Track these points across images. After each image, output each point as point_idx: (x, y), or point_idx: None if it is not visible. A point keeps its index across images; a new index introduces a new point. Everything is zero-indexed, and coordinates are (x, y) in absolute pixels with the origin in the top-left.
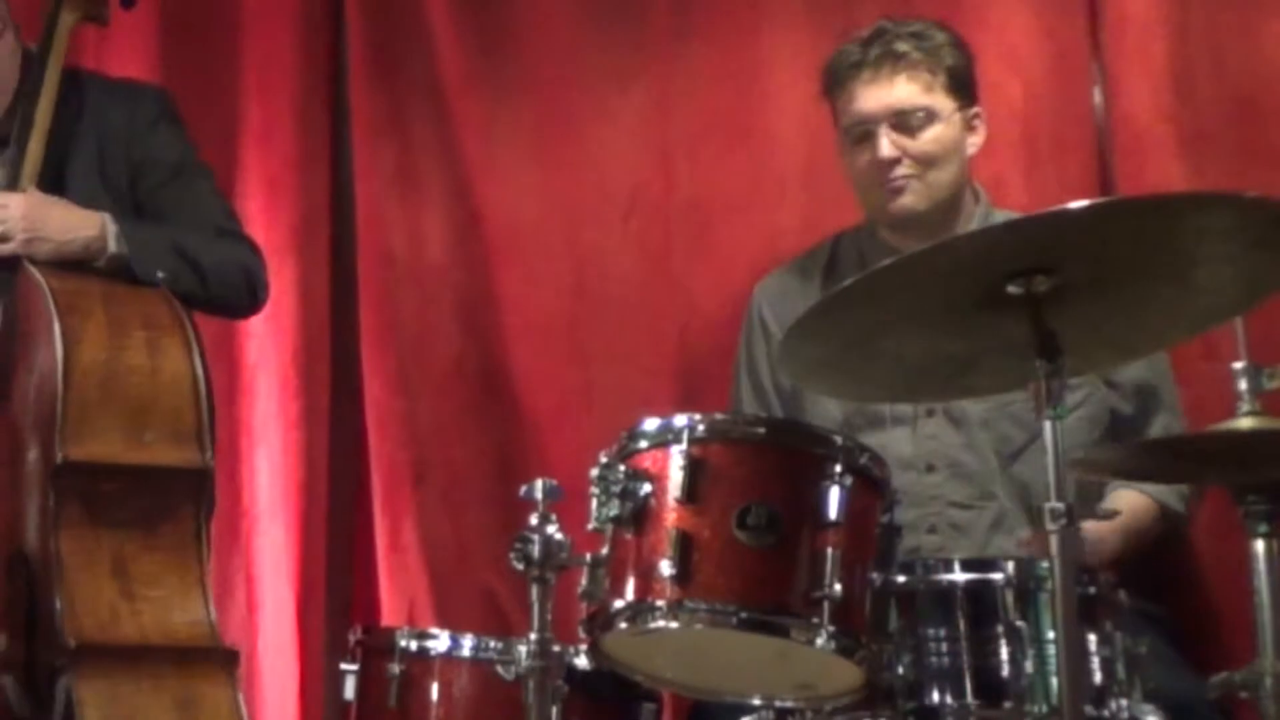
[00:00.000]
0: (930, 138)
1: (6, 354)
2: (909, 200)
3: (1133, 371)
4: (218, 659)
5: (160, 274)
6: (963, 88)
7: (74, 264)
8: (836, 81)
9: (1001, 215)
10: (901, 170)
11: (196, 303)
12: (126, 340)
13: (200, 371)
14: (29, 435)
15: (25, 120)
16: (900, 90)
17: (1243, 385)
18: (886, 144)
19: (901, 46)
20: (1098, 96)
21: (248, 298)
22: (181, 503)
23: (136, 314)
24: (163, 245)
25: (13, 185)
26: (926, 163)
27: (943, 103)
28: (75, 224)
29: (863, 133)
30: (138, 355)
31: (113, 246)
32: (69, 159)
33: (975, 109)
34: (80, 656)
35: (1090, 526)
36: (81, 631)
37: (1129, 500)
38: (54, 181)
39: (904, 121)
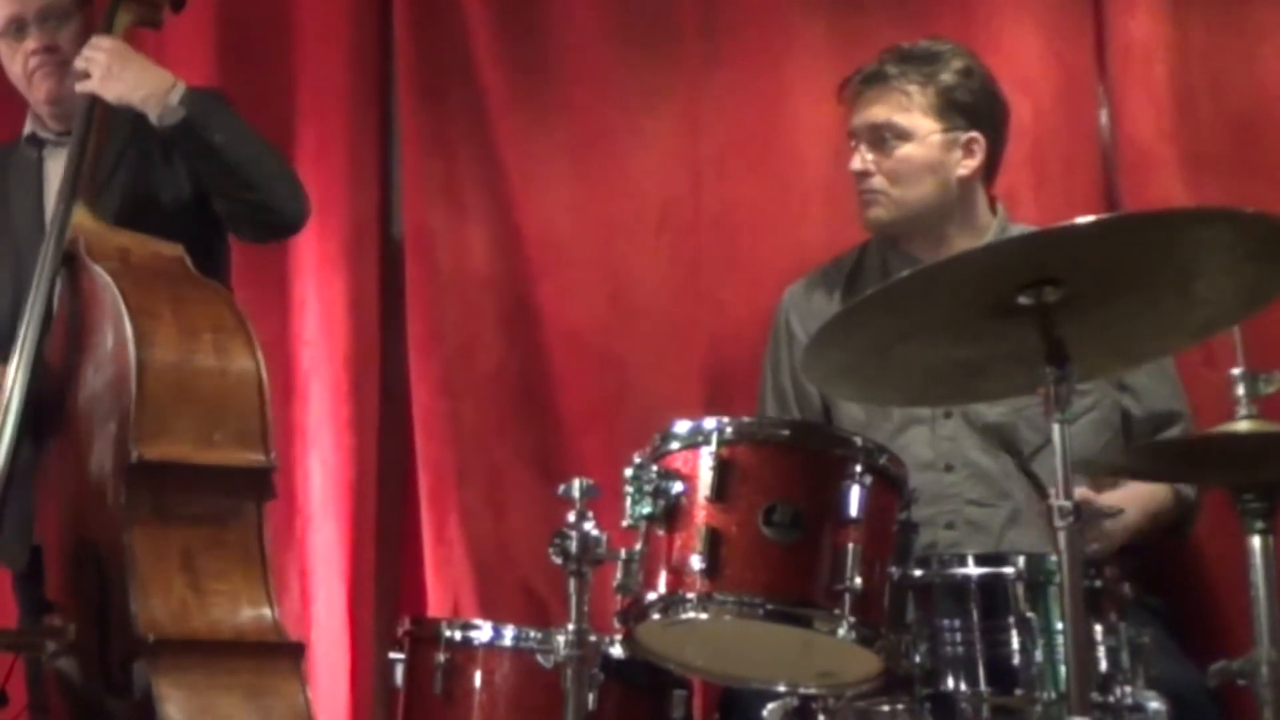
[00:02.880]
0: (900, 155)
1: (69, 351)
2: (876, 212)
3: (1144, 377)
4: (286, 652)
5: (214, 145)
6: (957, 111)
7: (146, 269)
8: (842, 99)
9: (1017, 228)
10: (872, 184)
11: (247, 192)
12: (196, 343)
13: (264, 372)
14: (97, 431)
15: (86, 119)
16: (875, 109)
17: (1240, 391)
18: (858, 158)
19: (890, 69)
20: (1103, 117)
21: (291, 199)
22: (246, 501)
23: (203, 316)
24: (223, 117)
25: (74, 181)
26: (894, 179)
27: (920, 123)
28: (149, 78)
29: (851, 147)
30: (207, 357)
31: (174, 100)
32: (136, 143)
33: (972, 134)
34: (159, 650)
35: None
36: (156, 624)
37: (1143, 485)
38: (116, 165)
39: (877, 137)
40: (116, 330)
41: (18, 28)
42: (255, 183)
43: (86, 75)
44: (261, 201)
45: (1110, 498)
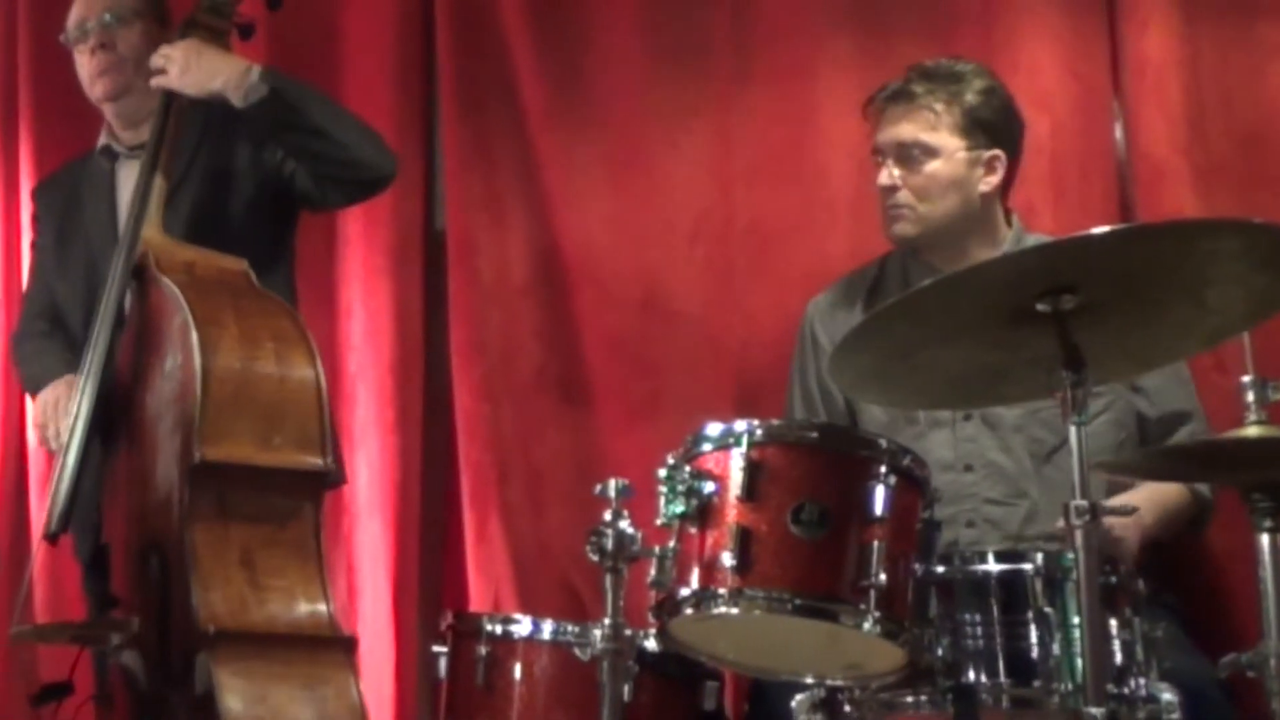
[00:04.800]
0: (927, 172)
1: (138, 359)
2: (902, 226)
3: (1157, 379)
4: (340, 646)
5: (300, 114)
6: (980, 130)
7: (212, 282)
8: (868, 114)
9: (1033, 238)
10: (899, 199)
11: (340, 151)
12: (258, 351)
13: (322, 381)
14: (163, 435)
15: (158, 136)
16: (903, 127)
17: (1250, 397)
18: (886, 174)
19: (917, 87)
20: (1118, 132)
21: (380, 154)
22: (303, 501)
23: (265, 326)
24: (302, 87)
25: (146, 191)
26: (921, 194)
27: (946, 141)
28: (224, 64)
29: (877, 162)
30: (268, 365)
31: (255, 78)
32: (201, 159)
33: (994, 151)
34: (217, 642)
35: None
36: (216, 618)
37: (1160, 484)
38: (182, 181)
39: (905, 155)
40: (183, 338)
41: (83, 31)
42: (346, 141)
43: (163, 72)
44: (355, 158)
45: (1125, 498)
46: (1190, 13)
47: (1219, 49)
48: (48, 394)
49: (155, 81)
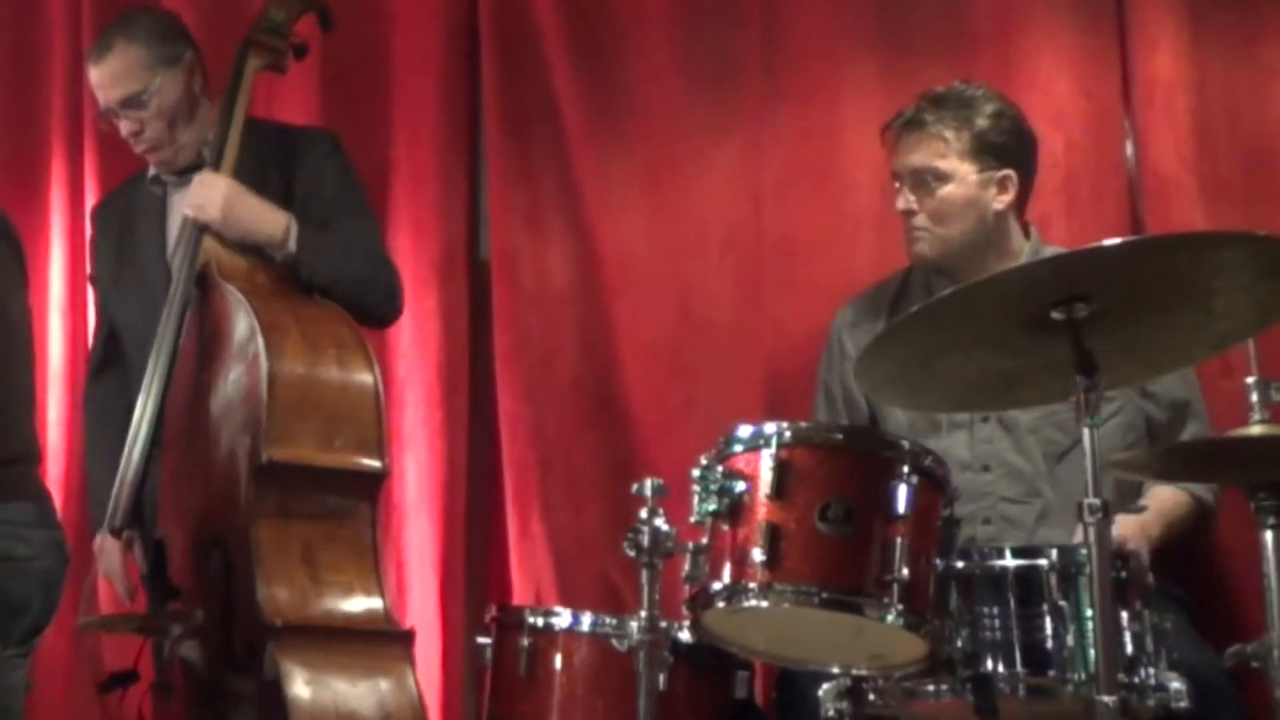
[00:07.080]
0: (941, 196)
1: (199, 363)
2: (921, 248)
3: (1166, 384)
4: (398, 639)
5: (317, 280)
6: (991, 152)
7: (271, 289)
8: (884, 140)
9: (1049, 250)
10: (917, 222)
11: (349, 300)
12: (320, 356)
13: (380, 385)
14: (227, 436)
15: (215, 156)
16: (916, 155)
17: (1254, 398)
18: (902, 199)
19: (927, 115)
20: (1129, 149)
21: (384, 304)
22: (361, 500)
23: (327, 333)
24: (328, 254)
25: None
26: (937, 218)
27: (958, 166)
28: (266, 218)
29: (895, 186)
30: (330, 370)
31: (291, 247)
32: (260, 175)
33: (1005, 171)
34: (283, 634)
35: (1135, 518)
36: (281, 611)
37: (1166, 494)
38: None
39: (919, 180)
40: (249, 344)
41: (112, 113)
42: (355, 295)
43: (201, 209)
44: (360, 308)
45: (1141, 518)
46: (1197, 35)
47: (1225, 70)
48: (102, 542)
49: (194, 214)
